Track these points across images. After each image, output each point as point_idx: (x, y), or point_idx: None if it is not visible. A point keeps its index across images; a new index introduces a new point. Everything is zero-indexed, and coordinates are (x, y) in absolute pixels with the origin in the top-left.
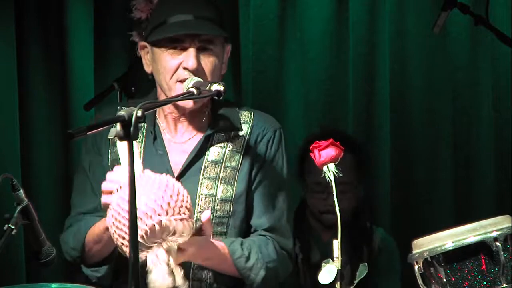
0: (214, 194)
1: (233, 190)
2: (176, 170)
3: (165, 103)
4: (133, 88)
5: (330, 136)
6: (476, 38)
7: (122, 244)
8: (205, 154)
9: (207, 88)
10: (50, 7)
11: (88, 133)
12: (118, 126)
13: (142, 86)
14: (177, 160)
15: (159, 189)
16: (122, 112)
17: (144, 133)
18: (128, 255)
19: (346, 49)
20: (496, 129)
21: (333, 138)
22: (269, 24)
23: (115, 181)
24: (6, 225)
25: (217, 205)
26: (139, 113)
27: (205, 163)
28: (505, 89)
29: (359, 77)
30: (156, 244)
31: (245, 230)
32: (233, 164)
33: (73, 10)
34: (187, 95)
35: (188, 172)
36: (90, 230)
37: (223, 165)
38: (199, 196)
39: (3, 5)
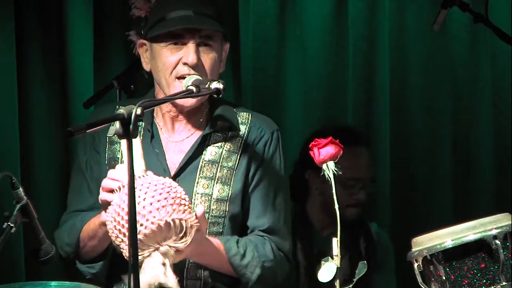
0: (210, 193)
1: (229, 190)
2: (173, 169)
3: (164, 101)
4: (132, 86)
5: (345, 133)
6: (475, 35)
7: (121, 243)
8: (202, 154)
9: (206, 86)
10: (49, 4)
11: (87, 131)
12: (117, 124)
13: (142, 84)
14: (174, 159)
15: (161, 193)
16: (122, 110)
17: (142, 132)
18: (125, 254)
19: (345, 46)
20: (496, 126)
21: (349, 134)
22: (269, 21)
23: (116, 179)
24: (6, 223)
25: (213, 205)
26: (139, 111)
27: (202, 162)
28: (504, 87)
29: (359, 74)
30: (153, 248)
31: (241, 231)
32: (230, 164)
33: (73, 7)
34: (186, 93)
35: (185, 171)
36: (85, 226)
37: (219, 165)
38: (195, 195)
39: (3, 2)
